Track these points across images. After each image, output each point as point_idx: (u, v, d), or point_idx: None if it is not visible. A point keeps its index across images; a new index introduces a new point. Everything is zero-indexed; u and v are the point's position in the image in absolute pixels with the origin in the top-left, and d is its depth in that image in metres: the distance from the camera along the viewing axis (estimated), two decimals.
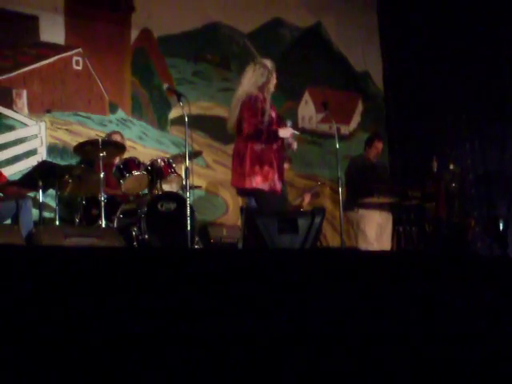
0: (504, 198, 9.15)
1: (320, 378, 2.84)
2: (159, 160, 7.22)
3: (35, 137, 8.12)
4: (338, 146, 6.51)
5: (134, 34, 9.08)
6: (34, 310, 2.43)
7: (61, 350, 2.42)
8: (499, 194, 9.56)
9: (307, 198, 8.77)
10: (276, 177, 6.08)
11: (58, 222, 6.73)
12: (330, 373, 2.88)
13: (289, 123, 6.30)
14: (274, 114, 6.22)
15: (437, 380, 3.10)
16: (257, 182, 6.01)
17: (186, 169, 6.22)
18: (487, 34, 9.77)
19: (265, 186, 6.04)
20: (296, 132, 6.31)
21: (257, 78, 6.22)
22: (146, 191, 7.33)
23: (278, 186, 6.12)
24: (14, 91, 8.06)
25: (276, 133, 6.11)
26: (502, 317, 3.41)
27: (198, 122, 8.62)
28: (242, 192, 6.34)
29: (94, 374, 2.44)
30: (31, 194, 6.94)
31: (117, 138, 7.63)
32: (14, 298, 2.41)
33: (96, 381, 2.44)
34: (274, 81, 6.30)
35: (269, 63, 6.31)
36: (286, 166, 7.58)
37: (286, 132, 6.18)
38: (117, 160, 7.30)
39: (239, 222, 7.46)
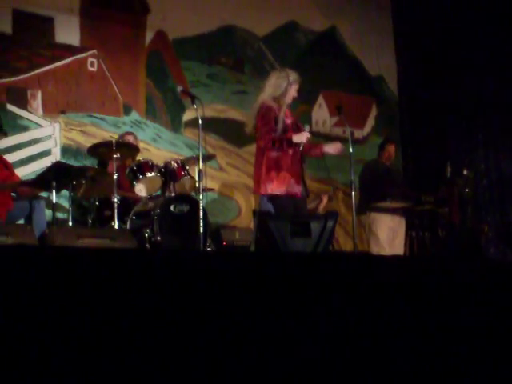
0: None
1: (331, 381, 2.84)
2: (173, 162, 7.22)
3: (49, 137, 8.15)
4: (351, 150, 6.49)
5: (149, 36, 9.11)
6: (47, 310, 2.43)
7: (69, 350, 2.42)
8: None
9: (325, 200, 8.71)
10: (293, 181, 6.11)
11: (70, 223, 6.75)
12: (339, 375, 2.88)
13: (306, 128, 6.31)
14: (289, 121, 6.25)
15: None
16: (272, 187, 6.06)
17: (200, 171, 6.22)
18: (503, 38, 9.75)
19: (281, 191, 6.08)
20: (309, 136, 6.29)
21: (275, 89, 6.28)
22: (159, 193, 7.34)
23: (297, 189, 6.15)
24: (29, 92, 8.10)
25: (290, 139, 6.12)
26: None
27: (212, 125, 8.64)
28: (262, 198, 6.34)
29: (99, 375, 2.44)
30: (44, 195, 6.96)
31: (130, 138, 7.64)
32: (26, 297, 2.42)
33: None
34: (292, 93, 6.34)
35: (292, 76, 6.35)
36: None
37: (300, 137, 6.18)
38: (130, 162, 7.31)
39: (252, 225, 7.46)
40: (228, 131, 9.22)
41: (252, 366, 2.71)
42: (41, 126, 8.11)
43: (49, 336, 2.39)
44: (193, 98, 6.45)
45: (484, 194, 9.95)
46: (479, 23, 9.99)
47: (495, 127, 9.99)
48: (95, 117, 8.50)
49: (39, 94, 8.15)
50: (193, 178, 7.15)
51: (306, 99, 10.16)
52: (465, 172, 9.09)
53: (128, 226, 6.86)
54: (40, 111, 8.12)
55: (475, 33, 10.04)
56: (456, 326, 3.28)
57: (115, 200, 6.50)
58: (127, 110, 8.78)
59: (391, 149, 8.58)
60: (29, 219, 6.63)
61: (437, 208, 8.46)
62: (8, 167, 7.02)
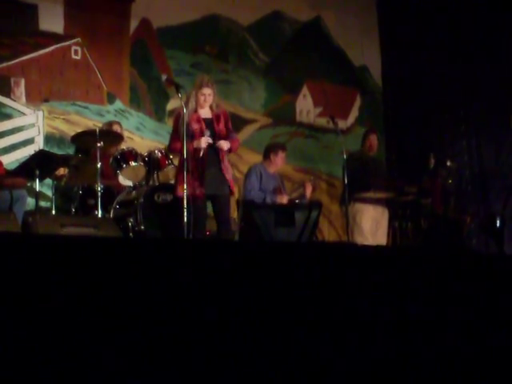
0: (500, 195, 9.15)
1: (316, 371, 2.85)
2: (156, 151, 7.22)
3: (33, 126, 8.11)
4: (343, 146, 6.60)
5: (134, 24, 9.06)
6: (30, 297, 2.43)
7: (52, 339, 2.42)
8: (495, 191, 9.57)
9: (309, 188, 8.55)
10: (196, 184, 6.25)
11: (54, 212, 6.72)
12: (324, 364, 2.89)
13: (206, 133, 6.41)
14: (196, 126, 6.38)
15: (428, 373, 3.11)
16: (182, 189, 6.14)
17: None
18: (486, 31, 9.77)
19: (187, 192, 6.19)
20: (209, 141, 6.36)
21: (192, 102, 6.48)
22: (142, 182, 7.32)
23: (198, 191, 6.26)
24: (13, 80, 8.05)
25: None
26: (497, 312, 3.42)
27: None
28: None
29: (88, 367, 2.44)
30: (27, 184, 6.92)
31: (117, 128, 7.60)
32: (10, 286, 2.41)
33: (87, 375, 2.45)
34: (199, 97, 6.46)
35: (199, 79, 6.61)
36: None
37: (199, 142, 6.32)
38: (114, 150, 7.28)
39: (235, 215, 7.46)
40: None
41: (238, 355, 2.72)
42: (24, 114, 8.07)
43: (32, 325, 2.39)
44: (177, 87, 6.44)
45: (467, 185, 9.99)
46: (465, 13, 10.01)
47: (478, 118, 10.02)
48: (79, 105, 8.47)
49: (22, 82, 8.10)
50: (176, 167, 7.15)
51: (290, 89, 10.17)
52: (448, 163, 9.11)
53: (111, 215, 6.84)
54: (23, 99, 8.08)
55: (459, 24, 10.06)
56: (437, 316, 3.29)
57: (99, 189, 6.49)
58: (111, 99, 8.75)
59: (373, 138, 8.57)
60: (9, 210, 6.57)
61: (420, 199, 8.47)
62: None
